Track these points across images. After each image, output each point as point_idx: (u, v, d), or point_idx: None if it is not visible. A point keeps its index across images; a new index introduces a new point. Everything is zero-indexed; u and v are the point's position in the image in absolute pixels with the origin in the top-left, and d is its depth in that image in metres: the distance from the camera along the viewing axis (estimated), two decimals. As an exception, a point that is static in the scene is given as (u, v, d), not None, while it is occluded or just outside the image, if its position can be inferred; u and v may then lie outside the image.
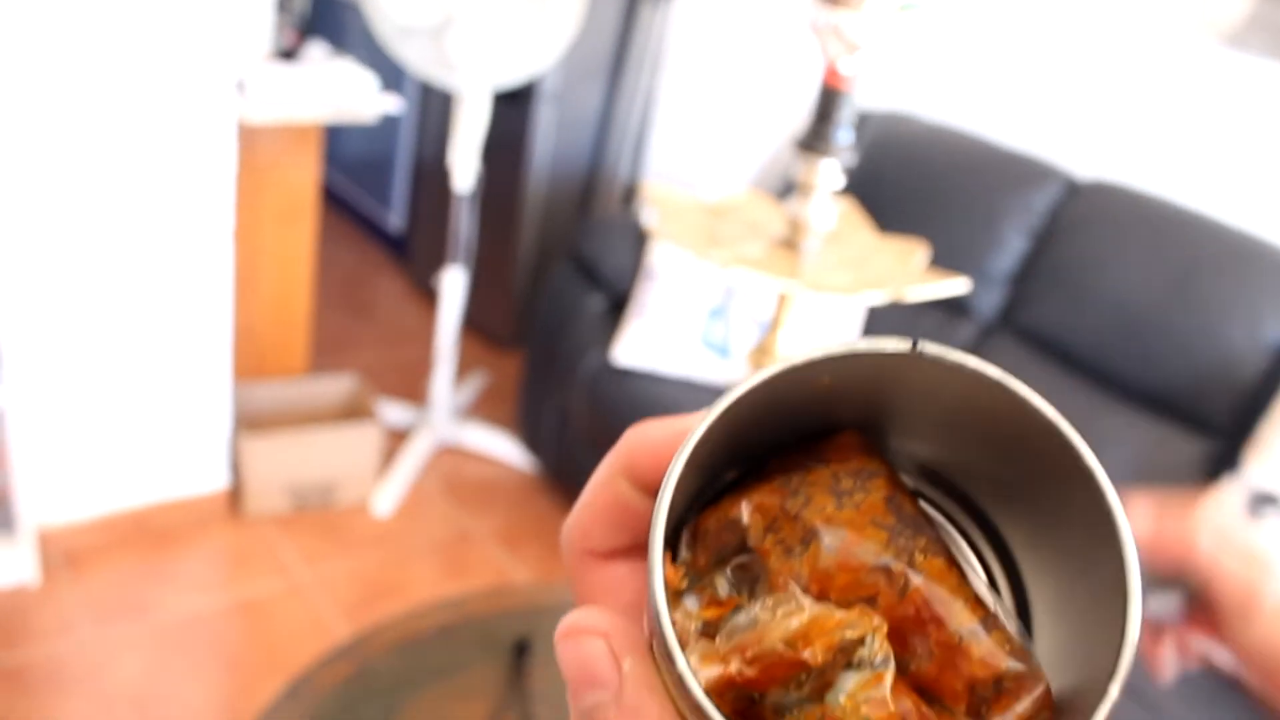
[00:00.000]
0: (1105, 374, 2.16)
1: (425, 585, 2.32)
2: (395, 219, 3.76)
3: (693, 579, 0.24)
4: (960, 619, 0.23)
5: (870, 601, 0.23)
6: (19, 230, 1.89)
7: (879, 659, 0.22)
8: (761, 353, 1.01)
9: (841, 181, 1.00)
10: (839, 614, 0.22)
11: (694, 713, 0.21)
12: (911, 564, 0.23)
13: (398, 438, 2.71)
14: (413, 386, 2.93)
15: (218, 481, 2.36)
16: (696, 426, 0.23)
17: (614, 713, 0.23)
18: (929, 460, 0.27)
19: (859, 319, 2.34)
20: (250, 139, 2.23)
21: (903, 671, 0.22)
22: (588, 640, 0.24)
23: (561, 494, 2.66)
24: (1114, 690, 0.20)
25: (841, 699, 0.21)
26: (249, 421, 2.38)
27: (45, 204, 1.90)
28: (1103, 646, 0.21)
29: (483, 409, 2.96)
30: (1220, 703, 1.69)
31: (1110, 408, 2.12)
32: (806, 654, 0.21)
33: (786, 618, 0.22)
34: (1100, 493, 0.22)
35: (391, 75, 2.82)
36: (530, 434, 2.72)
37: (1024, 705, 0.22)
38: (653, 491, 0.24)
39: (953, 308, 2.35)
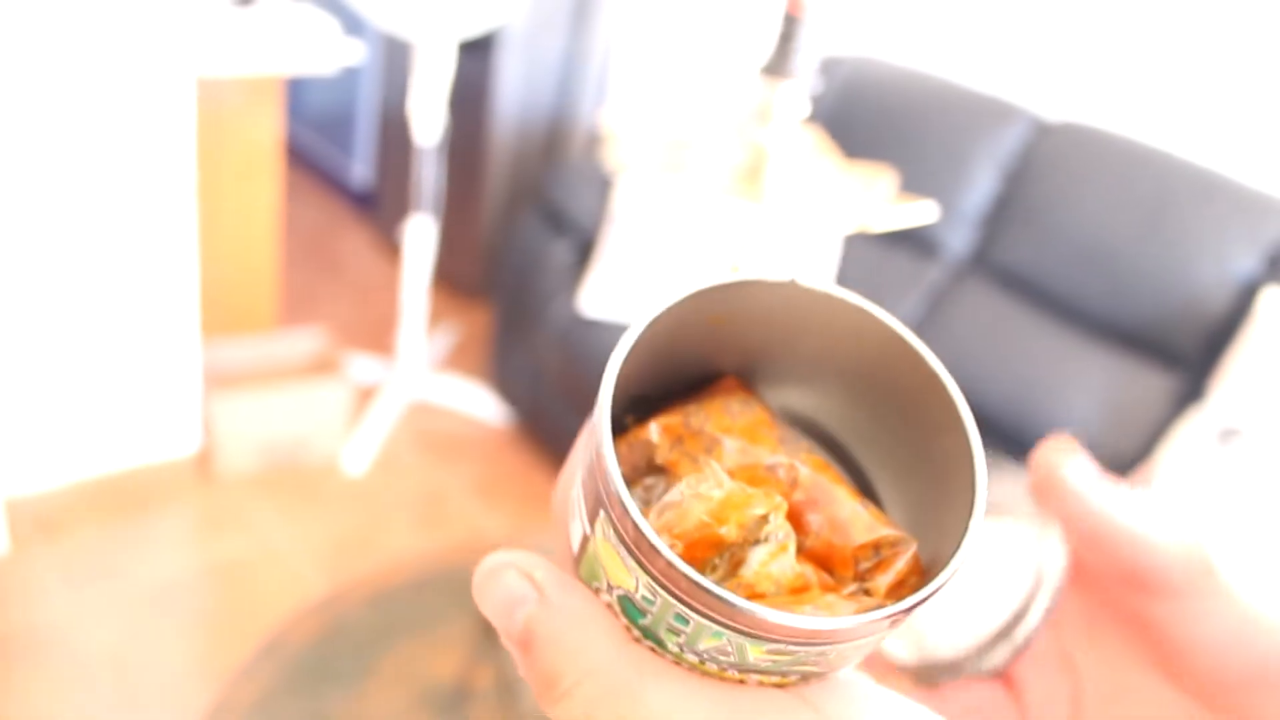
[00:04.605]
0: (1075, 311, 2.17)
1: (399, 540, 2.30)
2: (362, 173, 3.70)
3: None
4: (843, 501, 0.27)
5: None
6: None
7: (782, 534, 0.25)
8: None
9: (806, 108, 0.98)
10: (750, 491, 0.25)
11: (656, 564, 0.23)
12: (798, 461, 0.27)
13: (371, 394, 2.68)
14: (384, 341, 2.90)
15: (189, 443, 2.33)
16: (629, 332, 0.25)
17: (541, 612, 0.25)
18: (796, 407, 0.31)
19: (833, 252, 2.33)
20: (208, 92, 2.18)
21: (799, 550, 0.25)
22: (501, 574, 0.25)
23: (536, 446, 2.65)
24: (954, 564, 0.24)
25: (754, 568, 0.24)
26: (218, 381, 2.35)
27: (-4, 162, 1.86)
28: (949, 544, 0.25)
29: (455, 362, 2.94)
30: None
31: (1080, 344, 2.13)
32: (724, 530, 0.24)
33: (709, 491, 0.24)
34: (951, 411, 0.26)
35: (353, 24, 2.76)
36: (503, 386, 2.70)
37: (901, 564, 0.26)
38: None
39: (923, 247, 2.35)
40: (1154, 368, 2.06)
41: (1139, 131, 2.20)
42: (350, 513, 2.36)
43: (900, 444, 0.29)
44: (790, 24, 0.94)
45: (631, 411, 0.29)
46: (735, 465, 0.26)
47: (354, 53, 2.41)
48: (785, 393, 0.30)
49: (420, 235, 2.55)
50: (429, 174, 2.51)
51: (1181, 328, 2.03)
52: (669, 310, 0.26)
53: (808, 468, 0.27)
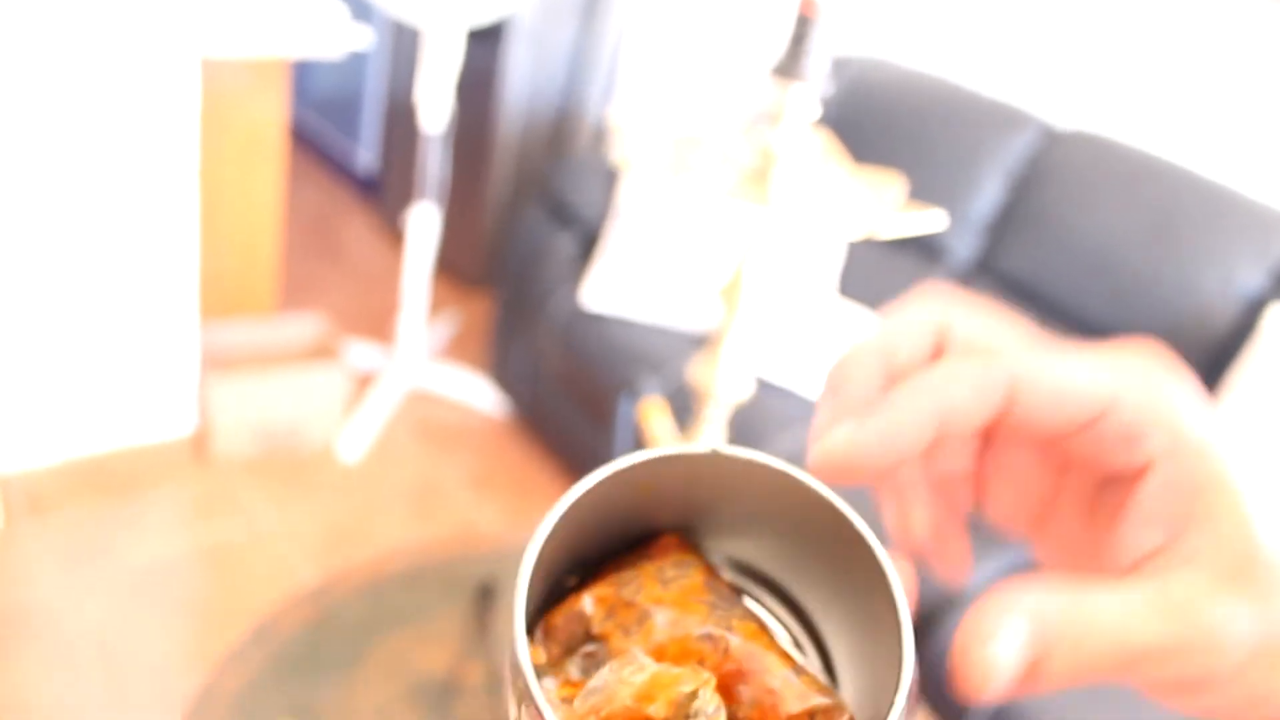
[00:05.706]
0: (1079, 321, 2.16)
1: (393, 530, 2.30)
2: (366, 158, 3.69)
3: (549, 668, 0.28)
4: (774, 669, 0.26)
5: (699, 664, 0.26)
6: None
7: (711, 708, 0.25)
8: (732, 288, 0.99)
9: (816, 111, 0.97)
10: (675, 670, 0.25)
11: None
12: (729, 629, 0.27)
13: (369, 381, 2.67)
14: (384, 328, 2.89)
15: (185, 424, 2.32)
16: (541, 525, 0.26)
17: None
18: (737, 554, 0.32)
19: (838, 256, 2.32)
20: (213, 73, 2.17)
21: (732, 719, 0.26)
22: None
23: (533, 439, 2.64)
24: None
25: None
26: (215, 363, 2.35)
27: (2, 144, 1.85)
28: (886, 689, 0.26)
29: (455, 351, 2.93)
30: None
31: (1084, 355, 2.12)
32: (652, 709, 0.24)
33: (632, 676, 0.25)
34: (875, 558, 0.27)
35: (361, 9, 2.75)
36: (502, 376, 2.69)
37: None
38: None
39: (929, 252, 2.34)
40: (1156, 381, 2.05)
41: (1149, 143, 2.19)
42: (344, 500, 2.35)
43: (839, 592, 0.30)
44: (803, 25, 0.93)
45: (575, 572, 0.30)
46: (667, 638, 0.27)
47: (362, 38, 2.40)
48: (727, 542, 0.31)
49: (423, 223, 2.54)
50: (434, 162, 2.50)
51: (1185, 342, 2.02)
52: (587, 494, 0.26)
53: (739, 636, 0.27)
